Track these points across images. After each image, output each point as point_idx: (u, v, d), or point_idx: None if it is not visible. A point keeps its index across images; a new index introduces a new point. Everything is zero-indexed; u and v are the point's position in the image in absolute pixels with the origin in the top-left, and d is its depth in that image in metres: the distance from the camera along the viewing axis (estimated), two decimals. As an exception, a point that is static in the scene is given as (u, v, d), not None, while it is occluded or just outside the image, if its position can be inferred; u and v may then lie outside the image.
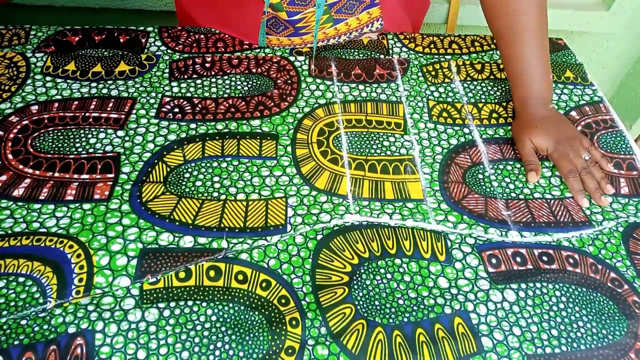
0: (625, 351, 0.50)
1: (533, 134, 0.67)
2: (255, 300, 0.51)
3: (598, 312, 0.53)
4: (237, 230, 0.56)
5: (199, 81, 0.72)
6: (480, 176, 0.64)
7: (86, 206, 0.57)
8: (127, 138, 0.64)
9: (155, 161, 0.62)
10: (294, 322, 0.50)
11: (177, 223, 0.56)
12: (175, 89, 0.71)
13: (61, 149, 0.62)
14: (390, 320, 0.51)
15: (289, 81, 0.74)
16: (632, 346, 0.50)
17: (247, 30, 0.77)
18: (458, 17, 1.21)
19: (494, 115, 0.72)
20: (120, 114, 0.67)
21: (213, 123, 0.67)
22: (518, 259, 0.57)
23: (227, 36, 0.80)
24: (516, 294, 0.54)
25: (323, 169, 0.63)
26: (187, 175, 0.61)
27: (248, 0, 0.73)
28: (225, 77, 0.73)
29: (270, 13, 0.73)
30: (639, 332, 0.51)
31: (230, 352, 0.48)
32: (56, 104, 0.67)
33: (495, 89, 0.76)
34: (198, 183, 0.60)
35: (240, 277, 0.53)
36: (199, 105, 0.69)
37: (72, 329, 0.48)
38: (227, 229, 0.56)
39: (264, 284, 0.53)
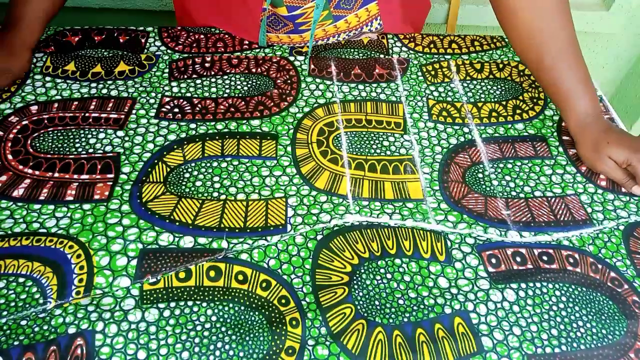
0: (625, 351, 0.50)
1: (610, 151, 0.63)
2: (256, 301, 0.51)
3: (598, 312, 0.53)
4: (237, 230, 0.56)
5: (198, 81, 0.72)
6: (480, 175, 0.64)
7: (86, 206, 0.57)
8: (127, 138, 0.64)
9: (155, 161, 0.62)
10: (294, 322, 0.50)
11: (177, 223, 0.56)
12: (175, 89, 0.71)
13: (61, 149, 0.62)
14: (391, 320, 0.51)
15: (289, 81, 0.74)
16: (632, 346, 0.50)
17: (247, 26, 0.77)
18: (458, 17, 1.21)
19: (494, 114, 0.72)
20: (120, 114, 0.67)
21: (213, 123, 0.67)
22: (518, 259, 0.57)
23: (227, 36, 0.80)
24: (516, 294, 0.54)
25: (323, 169, 0.63)
26: (187, 175, 0.61)
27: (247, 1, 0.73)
28: (225, 77, 0.73)
29: (270, 10, 0.73)
30: (639, 331, 0.51)
31: (231, 353, 0.48)
32: (56, 104, 0.67)
33: (494, 88, 0.76)
34: (198, 183, 0.60)
35: (241, 277, 0.53)
36: (199, 105, 0.69)
37: (72, 330, 0.48)
38: (227, 229, 0.56)
39: (264, 284, 0.53)
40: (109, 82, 0.71)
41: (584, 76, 0.66)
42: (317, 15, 0.73)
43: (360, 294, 0.53)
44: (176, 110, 0.68)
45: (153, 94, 0.70)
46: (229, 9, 0.77)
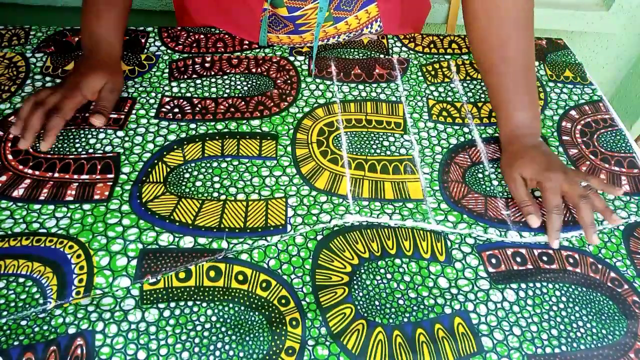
0: (625, 351, 0.50)
1: (521, 167, 0.61)
2: (256, 301, 0.51)
3: (598, 312, 0.53)
4: (237, 231, 0.56)
5: (198, 81, 0.72)
6: (480, 175, 0.64)
7: (86, 206, 0.57)
8: (126, 138, 0.64)
9: (155, 161, 0.62)
10: (294, 323, 0.50)
11: (177, 223, 0.56)
12: (175, 89, 0.71)
13: (61, 149, 0.62)
14: (391, 321, 0.51)
15: (289, 81, 0.74)
16: (632, 346, 0.50)
17: (247, 27, 0.77)
18: (458, 17, 1.21)
19: (494, 114, 0.72)
20: (120, 114, 0.67)
21: (213, 123, 0.67)
22: (518, 259, 0.57)
23: (227, 36, 0.80)
24: (516, 294, 0.54)
25: (323, 169, 0.63)
26: (187, 175, 0.61)
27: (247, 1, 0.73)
28: (225, 77, 0.73)
29: (270, 10, 0.73)
30: (639, 332, 0.51)
31: (231, 353, 0.48)
32: (56, 105, 0.67)
33: (495, 88, 0.76)
34: (198, 183, 0.60)
35: (241, 277, 0.53)
36: (199, 105, 0.69)
37: (72, 330, 0.48)
38: (227, 229, 0.56)
39: (264, 284, 0.53)
40: (109, 82, 0.71)
41: (528, 91, 0.65)
42: (320, 18, 0.73)
43: (360, 294, 0.53)
44: (176, 110, 0.68)
45: (153, 94, 0.70)
46: (229, 8, 0.77)
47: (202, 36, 0.80)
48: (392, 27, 0.82)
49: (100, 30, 0.70)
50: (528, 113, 0.65)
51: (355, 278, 0.54)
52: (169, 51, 0.77)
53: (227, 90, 0.71)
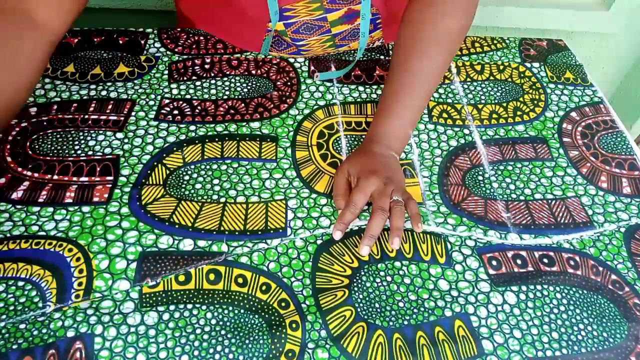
0: (626, 354, 0.50)
1: (353, 162, 0.60)
2: (255, 304, 0.51)
3: (599, 315, 0.53)
4: (237, 233, 0.56)
5: (198, 83, 0.72)
6: (480, 178, 0.64)
7: (85, 209, 0.57)
8: (126, 140, 0.64)
9: (155, 163, 0.62)
10: (294, 325, 0.50)
11: (177, 226, 0.56)
12: (175, 91, 0.71)
13: (60, 151, 0.62)
14: (391, 323, 0.51)
15: (289, 83, 0.73)
16: (633, 349, 0.50)
17: (250, 43, 0.77)
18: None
19: (494, 115, 0.72)
20: (120, 116, 0.67)
21: (212, 125, 0.67)
22: (518, 261, 0.56)
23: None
24: (517, 297, 0.53)
25: (323, 173, 0.63)
26: (186, 177, 0.61)
27: (252, 20, 0.72)
28: (225, 78, 0.73)
29: (274, 31, 0.73)
30: (640, 334, 0.51)
31: (230, 356, 0.47)
32: (55, 106, 0.67)
33: (495, 89, 0.76)
34: (197, 185, 0.60)
35: (240, 280, 0.53)
36: (199, 107, 0.69)
37: (71, 333, 0.48)
38: (227, 232, 0.56)
39: (264, 287, 0.52)
40: (109, 83, 0.71)
41: (415, 112, 0.65)
42: (362, 44, 0.74)
43: (360, 296, 0.52)
44: (176, 112, 0.68)
45: (152, 96, 0.70)
46: (232, 27, 0.76)
47: (201, 38, 0.79)
48: (392, 36, 0.81)
49: None
50: (395, 126, 0.64)
51: (355, 280, 0.54)
52: (168, 53, 0.76)
53: (227, 92, 0.71)
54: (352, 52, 0.79)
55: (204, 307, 0.51)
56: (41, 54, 0.54)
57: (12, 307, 0.49)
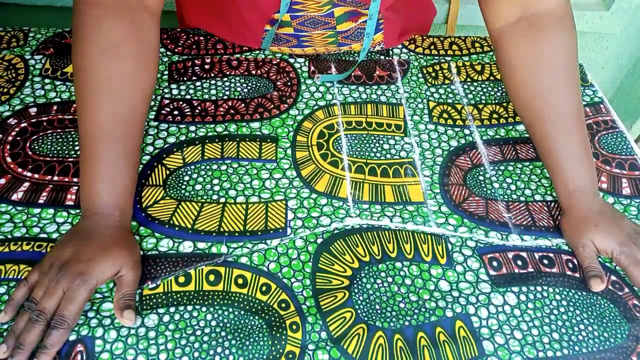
0: (627, 354, 0.50)
1: (594, 236, 0.57)
2: (255, 305, 0.51)
3: (599, 316, 0.53)
4: (236, 234, 0.56)
5: (198, 83, 0.72)
6: (481, 178, 0.64)
7: (85, 210, 0.57)
8: (126, 141, 0.64)
9: (155, 164, 0.62)
10: (294, 327, 0.50)
11: (177, 228, 0.56)
12: (175, 91, 0.71)
13: (60, 152, 0.62)
14: (391, 324, 0.51)
15: (289, 83, 0.73)
16: (634, 349, 0.50)
17: (249, 40, 0.77)
18: (458, 17, 1.21)
19: (495, 116, 0.72)
20: (120, 116, 0.67)
21: (212, 125, 0.67)
22: (519, 262, 0.56)
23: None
24: (517, 298, 0.53)
25: (323, 172, 0.63)
26: (186, 178, 0.61)
27: (256, 8, 0.72)
28: (225, 79, 0.73)
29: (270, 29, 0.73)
30: (641, 335, 0.51)
31: (231, 358, 0.47)
32: (55, 107, 0.67)
33: (495, 89, 0.76)
34: (197, 186, 0.60)
35: (240, 281, 0.53)
36: (199, 108, 0.69)
37: (72, 337, 0.47)
38: (226, 233, 0.56)
39: (264, 288, 0.52)
40: (108, 84, 0.71)
41: (580, 149, 0.60)
42: (366, 44, 0.74)
43: (361, 297, 0.52)
44: (176, 112, 0.68)
45: (152, 96, 0.70)
46: (231, 25, 0.76)
47: (201, 38, 0.79)
48: (392, 41, 0.81)
49: (113, 189, 0.53)
50: (583, 167, 0.59)
51: (355, 282, 0.53)
52: (168, 53, 0.76)
53: (227, 92, 0.71)
54: (353, 52, 0.79)
55: (204, 309, 0.51)
56: (157, 34, 0.59)
57: (12, 309, 0.49)
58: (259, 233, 0.57)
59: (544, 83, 0.61)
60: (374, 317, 0.51)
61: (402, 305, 0.52)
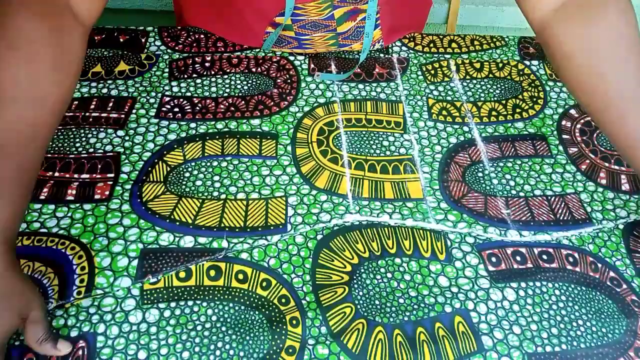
0: (624, 349, 0.50)
1: None
2: (256, 300, 0.51)
3: (597, 311, 0.53)
4: (237, 230, 0.56)
5: (198, 81, 0.72)
6: (480, 174, 0.65)
7: (87, 206, 0.57)
8: (127, 138, 0.64)
9: (156, 160, 0.62)
10: (294, 322, 0.50)
11: (178, 223, 0.56)
12: (175, 89, 0.71)
13: (61, 148, 0.63)
14: (391, 319, 0.51)
15: (289, 80, 0.74)
16: (632, 344, 0.51)
17: (251, 41, 0.77)
18: (458, 17, 1.21)
19: (494, 113, 0.72)
20: (120, 113, 0.67)
21: (213, 122, 0.67)
22: (518, 258, 0.57)
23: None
24: (516, 293, 0.54)
25: (323, 169, 0.63)
26: (187, 174, 0.61)
27: (259, 11, 0.73)
28: (225, 76, 0.73)
29: (271, 32, 0.74)
30: (638, 330, 0.52)
31: (231, 352, 0.48)
32: (56, 104, 0.67)
33: (494, 87, 0.76)
34: (198, 182, 0.60)
35: (241, 276, 0.53)
36: (199, 105, 0.69)
37: (74, 332, 0.48)
38: (227, 229, 0.56)
39: (264, 284, 0.53)
40: (109, 81, 0.71)
41: None
42: (367, 44, 0.73)
43: (360, 293, 0.53)
44: (176, 109, 0.68)
45: (153, 94, 0.70)
46: (232, 24, 0.77)
47: (202, 36, 0.80)
48: (391, 37, 0.81)
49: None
50: None
51: (355, 277, 0.54)
52: (169, 51, 0.77)
53: (227, 90, 0.72)
54: (353, 52, 0.79)
55: (204, 304, 0.51)
56: (83, 45, 0.52)
57: (14, 304, 0.49)
58: (260, 229, 0.57)
59: (604, 63, 0.53)
60: (373, 313, 0.51)
61: (401, 300, 0.52)
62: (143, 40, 0.78)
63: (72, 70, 0.50)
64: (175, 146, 0.64)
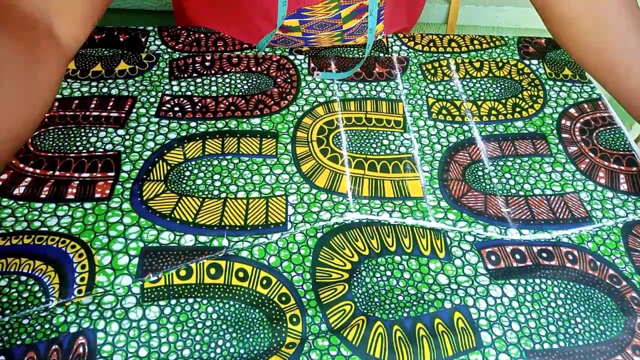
0: (622, 347, 0.50)
1: None
2: (256, 298, 0.52)
3: (596, 309, 0.53)
4: (237, 229, 0.57)
5: (199, 80, 0.73)
6: (480, 173, 0.65)
7: (87, 205, 0.57)
8: (127, 137, 0.65)
9: (156, 159, 0.62)
10: (294, 319, 0.50)
11: (178, 222, 0.57)
12: (176, 88, 0.71)
13: (62, 147, 0.63)
14: (390, 316, 0.51)
15: (289, 79, 0.74)
16: (630, 342, 0.51)
17: (251, 39, 0.78)
18: (458, 17, 1.21)
19: (494, 112, 0.72)
20: (121, 112, 0.67)
21: (213, 121, 0.67)
22: (517, 256, 0.57)
23: (227, 35, 0.80)
24: (515, 290, 0.54)
25: (323, 168, 0.64)
26: (187, 173, 0.61)
27: (263, 16, 0.73)
28: (225, 75, 0.74)
29: (278, 34, 0.74)
30: (637, 328, 0.52)
31: (232, 350, 0.48)
32: (56, 103, 0.68)
33: (494, 86, 0.76)
34: (198, 181, 0.61)
35: (241, 274, 0.53)
36: (199, 104, 0.69)
37: (74, 329, 0.48)
38: (227, 227, 0.57)
39: (264, 282, 0.53)
40: (109, 81, 0.71)
41: None
42: (370, 40, 0.74)
43: (360, 290, 0.53)
44: (176, 108, 0.68)
45: (153, 93, 0.70)
46: (232, 25, 0.77)
47: (202, 35, 0.80)
48: (391, 28, 0.82)
49: None
50: None
51: (355, 275, 0.54)
52: (169, 50, 0.77)
53: (227, 89, 0.72)
54: (354, 48, 0.80)
55: (205, 302, 0.51)
56: (59, 75, 0.48)
57: (15, 302, 0.49)
58: (260, 227, 0.57)
59: (606, 25, 0.54)
60: (373, 309, 0.51)
61: (400, 298, 0.53)
62: (143, 39, 0.78)
63: (38, 103, 0.44)
64: (176, 145, 0.64)
